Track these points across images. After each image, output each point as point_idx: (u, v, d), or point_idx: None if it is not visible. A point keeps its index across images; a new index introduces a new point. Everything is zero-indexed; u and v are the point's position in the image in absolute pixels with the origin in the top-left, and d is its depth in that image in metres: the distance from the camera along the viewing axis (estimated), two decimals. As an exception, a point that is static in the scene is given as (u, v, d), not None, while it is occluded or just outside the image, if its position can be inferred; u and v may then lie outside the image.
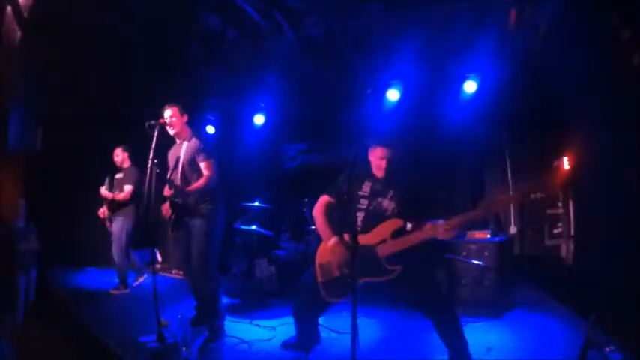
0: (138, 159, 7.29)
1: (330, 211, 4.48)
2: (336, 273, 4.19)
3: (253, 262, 7.07)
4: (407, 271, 4.01)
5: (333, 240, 4.23)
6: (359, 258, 3.73)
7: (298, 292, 4.66)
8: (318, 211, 4.51)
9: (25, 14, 4.57)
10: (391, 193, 4.28)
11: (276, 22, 6.68)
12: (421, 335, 5.00)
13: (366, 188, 4.35)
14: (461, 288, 5.86)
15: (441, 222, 3.92)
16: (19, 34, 4.55)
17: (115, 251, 7.22)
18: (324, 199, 4.53)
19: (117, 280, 7.36)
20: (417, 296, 4.14)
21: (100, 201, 7.38)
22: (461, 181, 7.94)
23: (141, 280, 7.66)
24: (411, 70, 7.28)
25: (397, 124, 7.56)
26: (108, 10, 6.02)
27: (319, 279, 4.29)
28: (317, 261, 4.35)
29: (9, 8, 4.47)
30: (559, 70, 5.74)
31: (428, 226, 3.98)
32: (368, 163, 4.45)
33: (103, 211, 7.33)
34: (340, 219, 4.47)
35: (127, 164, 7.43)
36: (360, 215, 4.27)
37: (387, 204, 4.26)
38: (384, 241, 4.08)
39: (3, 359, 3.93)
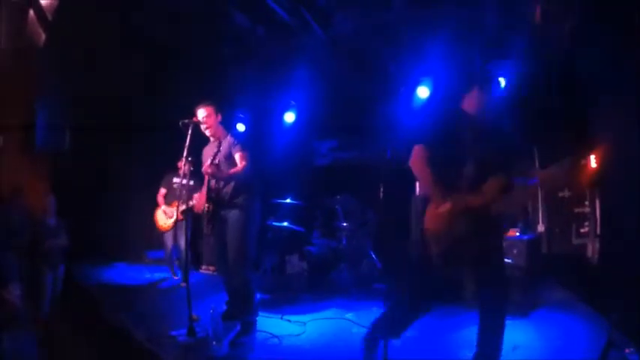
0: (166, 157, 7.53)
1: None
2: (451, 242, 3.55)
3: (284, 258, 7.17)
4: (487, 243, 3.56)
5: (446, 205, 3.51)
6: (472, 227, 3.45)
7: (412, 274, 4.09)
8: (419, 164, 3.64)
9: (49, 17, 4.72)
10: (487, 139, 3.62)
11: (305, 19, 6.74)
12: (449, 333, 5.04)
13: (464, 134, 3.65)
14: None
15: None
16: (43, 36, 4.71)
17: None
18: (421, 150, 3.65)
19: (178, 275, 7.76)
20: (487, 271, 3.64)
21: (129, 199, 7.67)
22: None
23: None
24: (441, 67, 7.26)
25: (427, 121, 7.53)
26: (137, 11, 6.16)
27: (434, 250, 3.60)
28: (427, 226, 3.64)
29: (31, 11, 4.62)
30: (587, 68, 5.67)
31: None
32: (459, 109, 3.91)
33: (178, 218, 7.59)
34: (443, 177, 3.62)
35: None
36: (462, 170, 3.60)
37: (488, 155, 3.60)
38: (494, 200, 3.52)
39: (29, 351, 4.09)
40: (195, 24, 6.78)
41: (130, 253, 8.68)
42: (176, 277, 7.79)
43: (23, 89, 4.68)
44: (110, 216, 7.67)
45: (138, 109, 7.85)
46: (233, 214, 5.01)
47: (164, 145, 7.37)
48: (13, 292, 4.51)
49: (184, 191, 7.34)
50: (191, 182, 7.56)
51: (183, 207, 7.20)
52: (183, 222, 7.41)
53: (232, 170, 5.00)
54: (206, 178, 5.11)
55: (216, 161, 4.95)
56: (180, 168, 7.66)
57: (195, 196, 7.17)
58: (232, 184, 5.05)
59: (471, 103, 3.86)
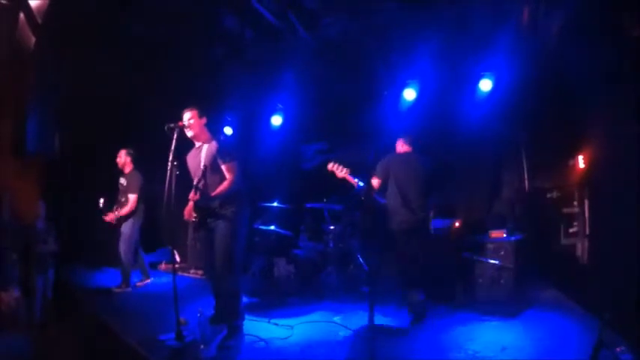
0: (154, 160, 7.40)
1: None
2: None
3: (272, 262, 7.13)
4: None
5: None
6: None
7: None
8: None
9: (39, 20, 4.66)
10: None
11: (292, 23, 6.72)
12: (436, 334, 5.06)
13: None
14: (477, 287, 5.86)
15: None
16: (33, 39, 4.64)
17: (123, 250, 7.25)
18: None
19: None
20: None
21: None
22: (478, 179, 7.93)
23: (147, 282, 7.65)
24: (428, 69, 7.27)
25: (414, 123, 7.51)
26: (126, 13, 6.11)
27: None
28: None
29: (22, 14, 4.55)
30: (574, 68, 5.70)
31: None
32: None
33: (112, 218, 7.30)
34: None
35: (128, 168, 7.44)
36: None
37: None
38: None
39: (22, 355, 4.04)
40: (184, 26, 6.75)
41: (119, 258, 8.55)
42: (148, 281, 7.62)
43: (13, 93, 4.62)
44: (100, 220, 7.53)
45: (127, 111, 7.80)
46: (220, 225, 4.99)
47: (153, 148, 7.30)
48: (10, 294, 4.47)
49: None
50: (124, 180, 7.41)
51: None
52: (128, 221, 7.31)
53: (218, 190, 4.96)
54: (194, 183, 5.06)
55: (201, 185, 4.88)
56: (118, 163, 7.51)
57: (130, 196, 7.24)
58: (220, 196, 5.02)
59: (403, 146, 6.06)
